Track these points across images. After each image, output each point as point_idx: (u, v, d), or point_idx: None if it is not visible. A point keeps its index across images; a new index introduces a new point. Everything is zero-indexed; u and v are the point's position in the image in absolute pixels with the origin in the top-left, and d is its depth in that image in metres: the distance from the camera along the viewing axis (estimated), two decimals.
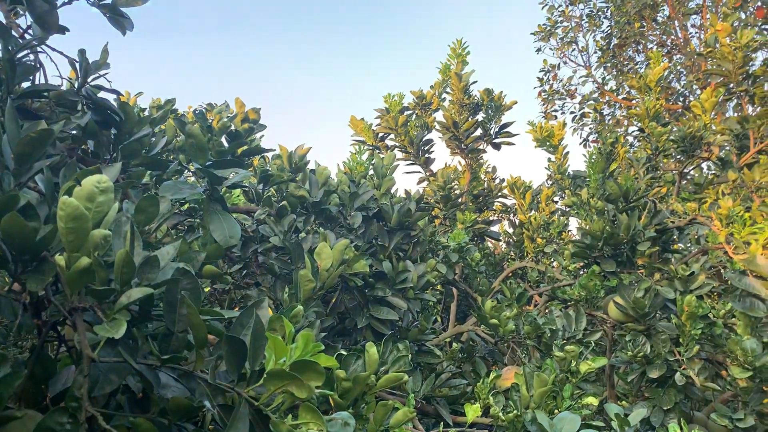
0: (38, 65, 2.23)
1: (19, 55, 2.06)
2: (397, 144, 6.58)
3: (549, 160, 6.70)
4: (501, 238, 6.62)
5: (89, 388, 1.24)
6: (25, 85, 2.13)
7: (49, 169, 1.56)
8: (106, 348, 1.29)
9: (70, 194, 1.24)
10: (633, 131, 8.37)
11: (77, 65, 2.29)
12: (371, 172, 4.12)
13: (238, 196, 4.11)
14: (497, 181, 6.80)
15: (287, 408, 1.23)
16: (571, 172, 6.43)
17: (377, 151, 6.61)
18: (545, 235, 6.00)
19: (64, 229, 1.19)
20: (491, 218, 6.56)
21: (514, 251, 6.29)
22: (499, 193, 6.75)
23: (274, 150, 3.47)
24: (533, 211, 6.42)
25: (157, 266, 1.31)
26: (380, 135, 6.68)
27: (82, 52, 2.30)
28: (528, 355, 4.09)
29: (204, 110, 4.07)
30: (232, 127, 3.03)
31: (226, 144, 2.97)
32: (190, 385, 1.34)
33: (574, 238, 5.09)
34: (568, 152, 6.53)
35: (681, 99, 11.90)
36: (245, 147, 2.99)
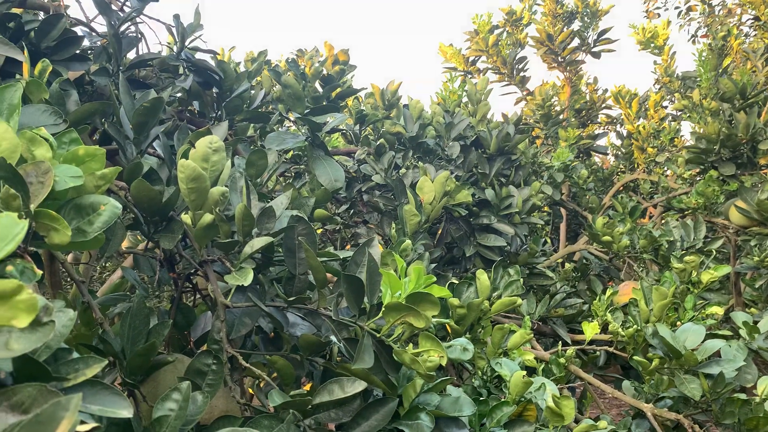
0: (139, 35, 2.35)
1: (122, 28, 2.17)
2: (490, 66, 6.40)
3: (655, 63, 6.28)
4: (608, 151, 6.37)
5: (227, 332, 1.36)
6: (131, 56, 2.26)
7: (164, 134, 1.67)
8: (237, 294, 1.40)
9: (186, 157, 1.33)
10: (747, 20, 7.63)
11: (174, 30, 2.39)
12: (465, 99, 4.06)
13: (336, 138, 4.19)
14: (600, 92, 6.49)
15: (407, 338, 1.29)
16: (680, 74, 6.01)
17: (469, 76, 6.46)
18: (656, 144, 5.70)
19: (186, 190, 1.29)
20: (596, 132, 6.31)
21: (624, 164, 6.04)
22: (603, 105, 6.46)
23: (366, 88, 3.49)
24: (641, 120, 6.10)
25: (274, 216, 1.40)
26: (471, 59, 6.51)
27: (176, 17, 2.40)
28: (645, 269, 3.99)
29: (295, 57, 4.13)
30: (324, 72, 3.07)
31: (320, 89, 3.02)
32: (315, 323, 1.44)
33: (687, 144, 4.81)
34: (675, 52, 6.09)
35: None
36: (338, 90, 3.03)
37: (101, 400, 0.85)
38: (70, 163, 1.10)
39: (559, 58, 6.15)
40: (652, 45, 6.13)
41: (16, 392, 0.69)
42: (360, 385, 1.23)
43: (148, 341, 1.31)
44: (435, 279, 1.32)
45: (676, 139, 5.72)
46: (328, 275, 1.42)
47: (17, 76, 1.61)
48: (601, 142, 6.08)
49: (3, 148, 1.01)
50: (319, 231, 3.74)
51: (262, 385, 1.60)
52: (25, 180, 0.96)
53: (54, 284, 2.16)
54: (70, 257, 3.13)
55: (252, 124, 2.66)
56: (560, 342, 2.86)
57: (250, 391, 1.83)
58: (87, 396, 0.83)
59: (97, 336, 1.37)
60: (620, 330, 2.56)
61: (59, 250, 1.18)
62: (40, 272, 0.98)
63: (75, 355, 0.90)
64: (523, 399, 1.64)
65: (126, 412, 0.84)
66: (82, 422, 0.72)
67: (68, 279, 2.90)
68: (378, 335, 1.28)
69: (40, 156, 1.05)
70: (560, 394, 1.68)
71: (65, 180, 1.04)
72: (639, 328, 2.46)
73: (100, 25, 2.27)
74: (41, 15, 2.07)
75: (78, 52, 1.89)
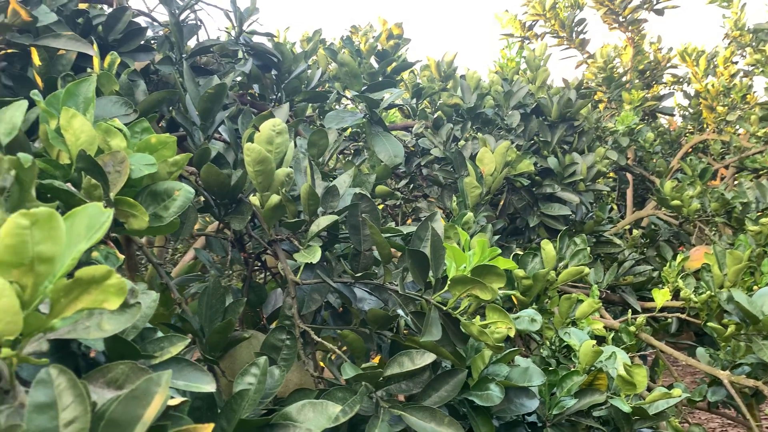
0: (199, 22, 2.41)
1: (182, 16, 2.23)
2: (548, 30, 6.23)
3: (723, 16, 5.97)
4: (675, 112, 6.12)
5: (298, 308, 1.40)
6: (192, 43, 2.32)
7: (228, 119, 1.71)
8: (306, 271, 1.44)
9: (251, 140, 1.37)
10: None
11: (231, 15, 2.43)
12: (523, 66, 3.98)
13: (394, 113, 4.19)
14: (664, 51, 6.22)
15: (474, 310, 1.30)
16: (752, 26, 5.69)
17: (527, 42, 6.31)
18: (726, 102, 5.44)
19: (253, 172, 1.33)
20: (662, 93, 6.07)
21: (692, 124, 5.80)
22: (669, 64, 6.19)
23: (422, 61, 3.46)
24: (710, 78, 5.82)
25: (338, 194, 1.42)
26: (528, 24, 6.36)
27: (233, 2, 2.44)
28: (718, 233, 3.85)
29: (350, 34, 4.14)
30: (379, 47, 3.06)
31: (375, 65, 3.02)
32: (382, 297, 1.47)
33: (761, 100, 4.58)
34: (745, 4, 5.76)
35: None
36: (394, 64, 3.02)
37: (186, 376, 0.90)
38: (144, 152, 1.15)
39: (620, 17, 5.92)
40: None
41: (110, 370, 0.74)
42: (429, 357, 1.25)
43: (224, 319, 1.37)
44: (500, 251, 1.32)
45: (748, 96, 5.45)
46: (393, 250, 1.44)
47: (88, 70, 1.68)
48: (668, 103, 5.85)
49: (82, 141, 1.06)
50: (380, 207, 3.77)
51: (333, 358, 1.65)
52: (104, 170, 1.02)
53: (131, 267, 2.27)
54: (144, 240, 3.27)
55: (310, 104, 2.69)
56: (630, 310, 2.80)
57: (322, 364, 1.88)
58: (173, 372, 0.88)
59: (176, 315, 1.44)
60: (692, 296, 2.50)
61: (138, 235, 1.24)
62: (122, 257, 1.04)
63: (159, 334, 0.95)
64: (593, 368, 1.63)
65: (210, 386, 0.89)
66: (172, 397, 0.76)
67: (143, 261, 3.03)
68: (444, 308, 1.29)
69: (116, 146, 1.10)
70: (632, 362, 1.66)
71: (140, 168, 1.09)
72: (712, 293, 2.39)
73: (162, 15, 2.34)
74: (106, 9, 2.14)
75: (143, 42, 1.95)
